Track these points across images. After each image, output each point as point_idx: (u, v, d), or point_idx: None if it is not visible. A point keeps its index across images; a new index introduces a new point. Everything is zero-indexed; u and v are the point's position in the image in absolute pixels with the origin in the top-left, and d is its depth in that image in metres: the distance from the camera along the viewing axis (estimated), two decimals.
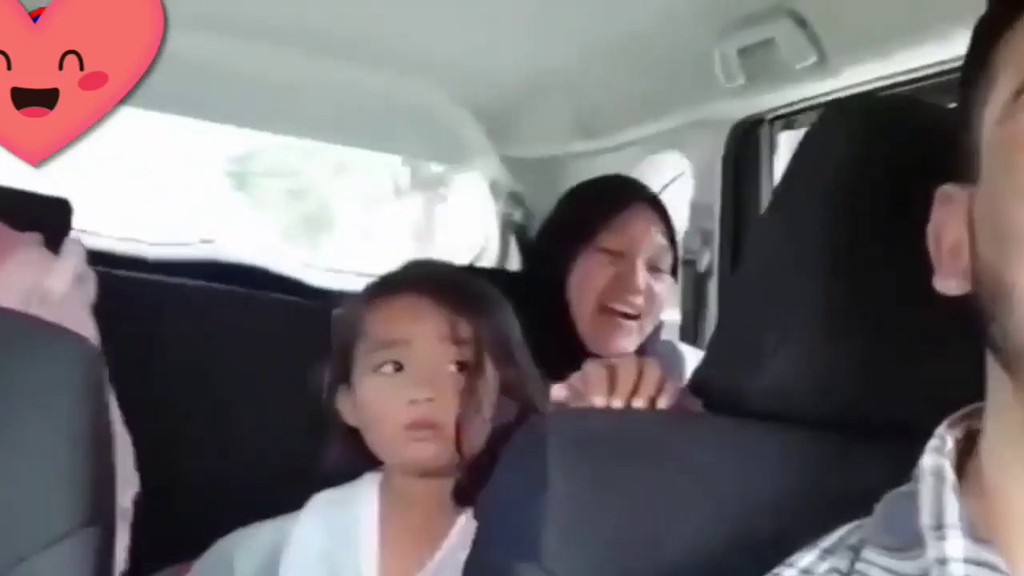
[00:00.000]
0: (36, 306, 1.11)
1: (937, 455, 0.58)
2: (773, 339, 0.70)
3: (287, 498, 1.15)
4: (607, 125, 1.78)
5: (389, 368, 1.09)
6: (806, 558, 0.59)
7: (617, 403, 0.84)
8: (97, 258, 1.57)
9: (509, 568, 0.67)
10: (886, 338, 0.68)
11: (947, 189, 0.59)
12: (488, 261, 2.21)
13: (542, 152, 1.99)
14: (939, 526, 0.54)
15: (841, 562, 0.57)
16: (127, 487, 1.17)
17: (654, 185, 1.72)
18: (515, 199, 2.12)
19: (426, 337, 1.09)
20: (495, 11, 1.56)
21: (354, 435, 1.13)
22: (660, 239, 1.54)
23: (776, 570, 0.59)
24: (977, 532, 0.54)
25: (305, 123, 2.12)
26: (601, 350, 1.47)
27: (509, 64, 1.80)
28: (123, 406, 1.18)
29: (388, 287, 1.15)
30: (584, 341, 1.49)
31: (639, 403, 0.84)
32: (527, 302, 1.23)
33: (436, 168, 2.79)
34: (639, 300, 1.50)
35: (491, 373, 1.10)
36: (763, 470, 0.71)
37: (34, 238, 1.21)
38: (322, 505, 1.13)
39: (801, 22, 1.27)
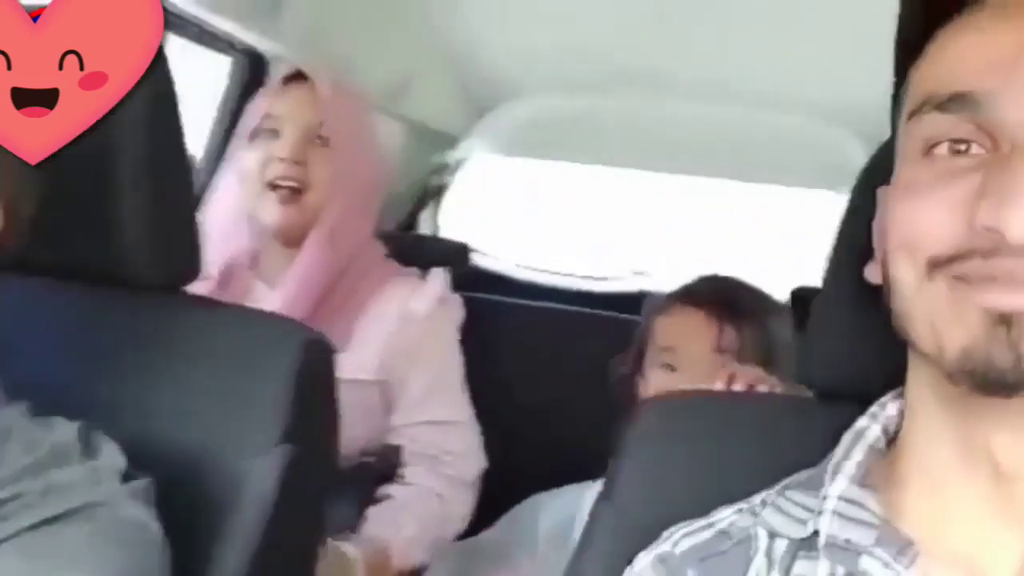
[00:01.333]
0: (404, 325, 1.43)
1: (869, 419, 0.69)
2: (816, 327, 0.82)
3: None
4: None
5: (667, 369, 1.32)
6: (762, 495, 0.73)
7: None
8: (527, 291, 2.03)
9: (595, 506, 0.86)
10: None
11: (883, 189, 0.70)
12: None
13: None
14: (837, 471, 0.66)
15: (772, 496, 0.71)
16: (474, 463, 1.49)
17: None
18: None
19: (694, 347, 1.31)
20: (858, 41, 1.68)
21: None
22: None
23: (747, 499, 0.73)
24: (866, 480, 0.65)
25: (711, 164, 2.40)
26: None
27: (881, 91, 1.88)
28: (479, 402, 1.52)
29: (673, 300, 1.39)
30: None
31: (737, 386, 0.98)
32: None
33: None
34: None
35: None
36: (816, 444, 0.82)
37: (410, 271, 1.53)
38: None
39: None
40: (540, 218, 3.34)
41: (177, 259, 0.94)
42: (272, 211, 1.40)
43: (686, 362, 1.30)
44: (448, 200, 2.75)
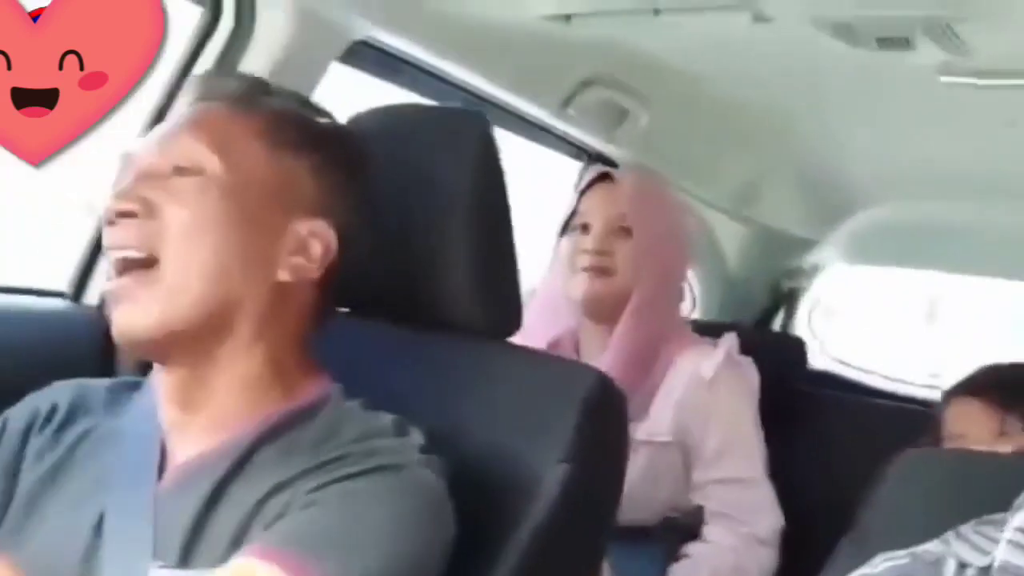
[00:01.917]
0: (694, 388, 1.57)
1: None
2: None
3: None
4: None
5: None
6: (957, 529, 0.78)
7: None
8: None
9: (840, 543, 0.93)
10: None
11: None
12: None
13: None
14: (1020, 507, 0.73)
15: (966, 529, 0.77)
16: (768, 520, 1.57)
17: None
18: None
19: (975, 431, 1.40)
20: None
21: None
22: None
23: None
24: None
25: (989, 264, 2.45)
26: None
27: None
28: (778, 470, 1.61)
29: (953, 392, 1.51)
30: None
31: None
32: None
33: None
34: None
35: None
36: None
37: (703, 339, 1.67)
38: None
39: None
40: (893, 325, 3.31)
41: (500, 314, 1.12)
42: (580, 286, 1.60)
43: (973, 446, 1.36)
44: (805, 304, 2.80)
